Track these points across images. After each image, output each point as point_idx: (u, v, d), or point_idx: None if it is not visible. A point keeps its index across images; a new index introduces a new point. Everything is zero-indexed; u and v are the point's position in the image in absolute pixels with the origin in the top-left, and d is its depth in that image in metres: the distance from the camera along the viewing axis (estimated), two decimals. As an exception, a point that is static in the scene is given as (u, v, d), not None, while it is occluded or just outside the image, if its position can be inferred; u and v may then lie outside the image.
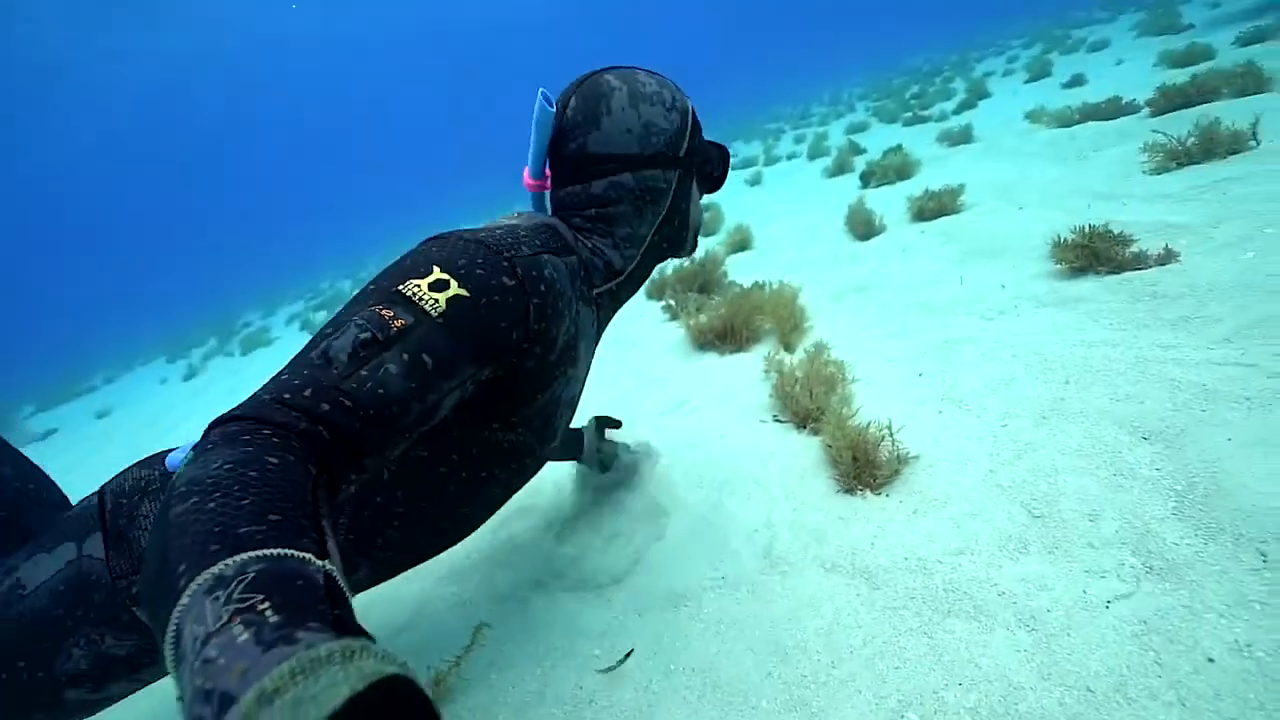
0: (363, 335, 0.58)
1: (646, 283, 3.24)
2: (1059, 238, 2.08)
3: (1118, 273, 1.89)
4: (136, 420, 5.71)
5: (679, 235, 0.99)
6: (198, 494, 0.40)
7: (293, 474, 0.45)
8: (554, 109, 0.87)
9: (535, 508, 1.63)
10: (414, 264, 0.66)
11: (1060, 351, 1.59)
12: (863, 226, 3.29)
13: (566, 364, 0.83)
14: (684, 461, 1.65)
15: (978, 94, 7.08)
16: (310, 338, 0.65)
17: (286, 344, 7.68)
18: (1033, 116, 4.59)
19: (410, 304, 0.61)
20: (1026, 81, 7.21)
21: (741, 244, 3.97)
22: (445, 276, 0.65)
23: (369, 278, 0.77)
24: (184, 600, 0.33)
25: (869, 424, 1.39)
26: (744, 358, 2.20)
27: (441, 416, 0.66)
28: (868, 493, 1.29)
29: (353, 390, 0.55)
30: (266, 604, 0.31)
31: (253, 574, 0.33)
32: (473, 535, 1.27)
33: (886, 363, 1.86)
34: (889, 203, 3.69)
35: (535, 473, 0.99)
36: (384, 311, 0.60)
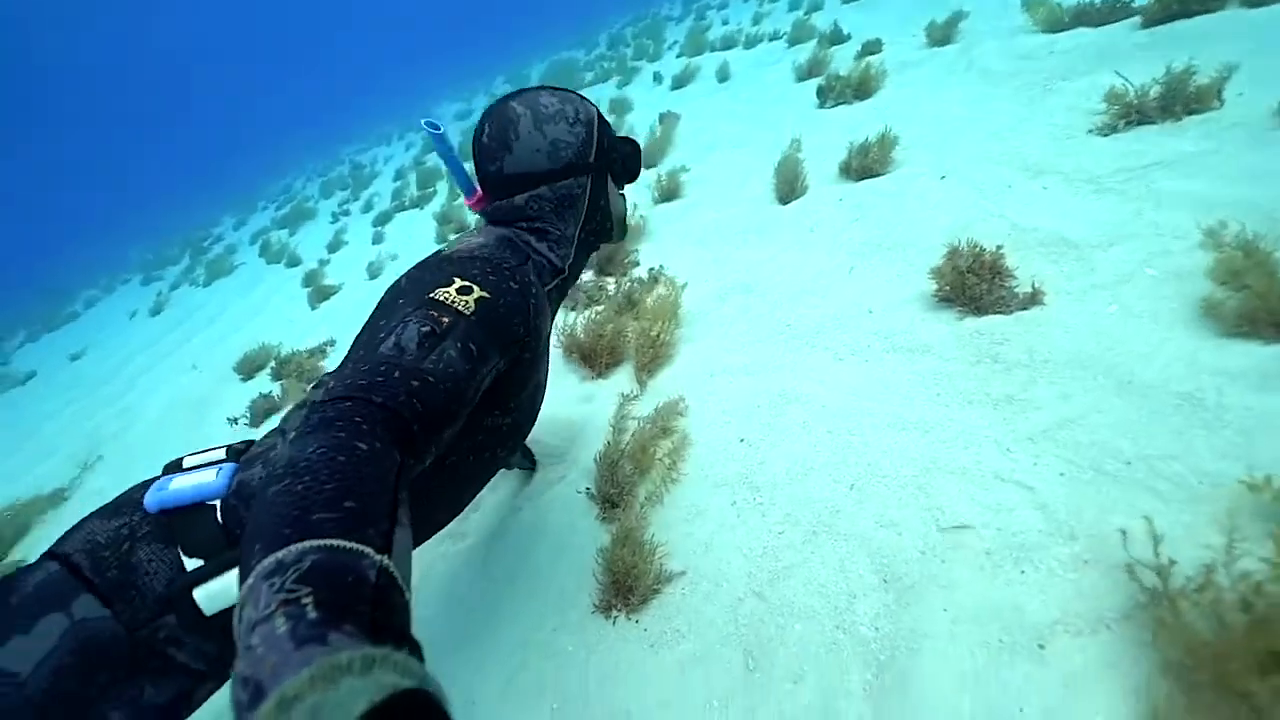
0: (423, 329, 0.68)
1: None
2: (952, 244, 1.86)
3: (978, 314, 1.72)
4: (102, 369, 5.85)
5: (603, 228, 1.10)
6: (290, 476, 0.46)
7: (379, 461, 0.51)
8: (442, 131, 0.96)
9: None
10: (434, 279, 0.76)
11: (869, 435, 1.51)
12: (787, 185, 2.96)
13: (544, 353, 0.99)
14: (493, 542, 1.68)
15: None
16: (361, 328, 0.76)
17: (248, 271, 7.55)
18: (1030, 6, 3.84)
19: (447, 307, 0.72)
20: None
21: (670, 192, 3.63)
22: (467, 283, 0.76)
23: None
24: (250, 580, 0.37)
25: (648, 540, 1.38)
26: (602, 387, 2.13)
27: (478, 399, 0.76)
28: (621, 616, 1.32)
29: (430, 369, 0.65)
30: (310, 598, 0.34)
31: (308, 564, 0.37)
32: None
33: (722, 414, 1.79)
34: (830, 140, 3.28)
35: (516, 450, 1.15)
36: (431, 312, 0.70)
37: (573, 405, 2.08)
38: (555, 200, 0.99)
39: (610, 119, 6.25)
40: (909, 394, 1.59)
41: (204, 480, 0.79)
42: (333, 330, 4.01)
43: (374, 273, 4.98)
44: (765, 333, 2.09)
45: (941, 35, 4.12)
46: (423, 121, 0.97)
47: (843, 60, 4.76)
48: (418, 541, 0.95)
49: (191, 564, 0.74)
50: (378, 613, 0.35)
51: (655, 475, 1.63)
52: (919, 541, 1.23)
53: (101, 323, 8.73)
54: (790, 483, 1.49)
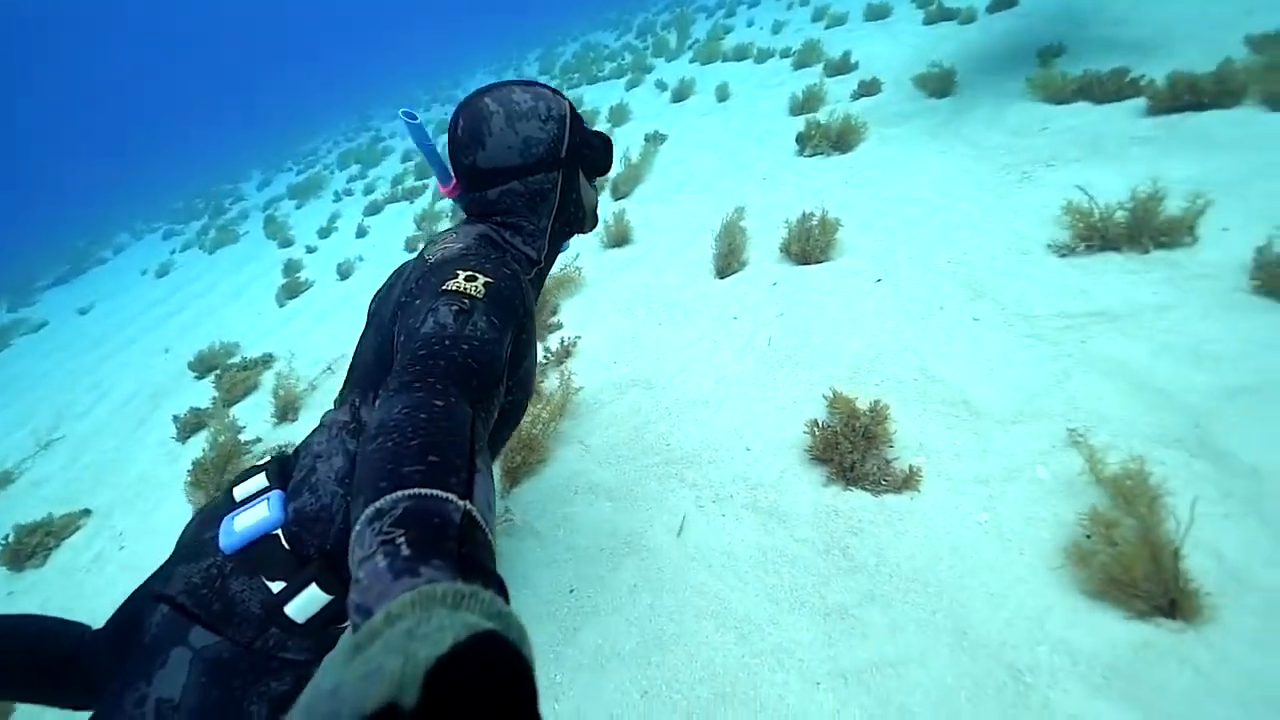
0: (453, 307, 0.75)
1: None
2: (832, 392, 1.68)
3: (846, 485, 1.54)
4: (99, 330, 6.01)
5: (576, 218, 1.14)
6: (382, 435, 0.52)
7: (455, 414, 0.57)
8: (419, 121, 0.97)
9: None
10: (441, 276, 0.82)
11: (687, 626, 1.37)
12: (724, 258, 2.75)
13: (534, 333, 1.09)
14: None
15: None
16: (362, 337, 1.01)
17: (249, 244, 7.63)
18: (1036, 72, 3.44)
19: (461, 294, 0.78)
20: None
21: (620, 238, 3.44)
22: (472, 272, 0.82)
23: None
24: (357, 527, 0.43)
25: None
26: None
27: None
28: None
29: (471, 334, 0.71)
30: (403, 538, 0.40)
31: (401, 510, 0.43)
32: None
33: (565, 552, 1.65)
34: (793, 198, 3.05)
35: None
36: (451, 298, 0.76)
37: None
38: (528, 195, 1.03)
39: (606, 128, 6.02)
40: (747, 575, 1.44)
41: (262, 516, 0.89)
42: (284, 341, 3.97)
43: (344, 274, 4.93)
44: (644, 447, 1.94)
45: (939, 85, 3.77)
46: (400, 112, 0.99)
47: (839, 95, 4.44)
48: None
49: (275, 586, 0.85)
50: (463, 549, 0.40)
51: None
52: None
53: (117, 274, 8.97)
54: (591, 669, 1.36)
